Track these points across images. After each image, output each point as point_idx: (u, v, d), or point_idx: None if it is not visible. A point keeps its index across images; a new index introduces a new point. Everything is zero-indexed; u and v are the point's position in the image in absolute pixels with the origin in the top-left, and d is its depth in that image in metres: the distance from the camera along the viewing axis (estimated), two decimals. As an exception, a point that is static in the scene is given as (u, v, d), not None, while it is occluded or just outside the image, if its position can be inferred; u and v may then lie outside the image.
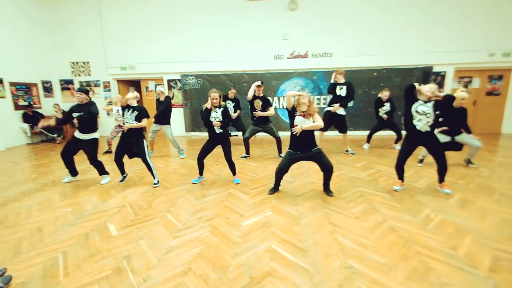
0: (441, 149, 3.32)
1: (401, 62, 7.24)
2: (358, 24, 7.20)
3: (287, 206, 3.08)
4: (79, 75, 8.18)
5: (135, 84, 8.74)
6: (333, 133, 6.12)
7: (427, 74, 7.27)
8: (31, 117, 7.24)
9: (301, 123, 3.13)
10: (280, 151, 5.23)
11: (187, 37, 7.66)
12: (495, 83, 7.53)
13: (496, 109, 7.56)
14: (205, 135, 6.17)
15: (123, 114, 3.85)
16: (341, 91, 5.10)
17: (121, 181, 4.08)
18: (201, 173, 3.96)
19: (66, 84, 8.28)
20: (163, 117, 5.35)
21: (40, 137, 7.69)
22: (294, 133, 3.19)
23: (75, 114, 3.80)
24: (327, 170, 3.25)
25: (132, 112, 3.80)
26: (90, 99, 3.98)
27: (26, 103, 7.38)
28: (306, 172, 4.31)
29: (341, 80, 5.11)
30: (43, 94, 7.97)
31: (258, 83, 4.80)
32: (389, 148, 5.89)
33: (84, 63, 8.08)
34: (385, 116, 5.56)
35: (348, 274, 1.93)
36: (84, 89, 3.96)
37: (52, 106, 7.66)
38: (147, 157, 3.90)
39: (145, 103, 8.46)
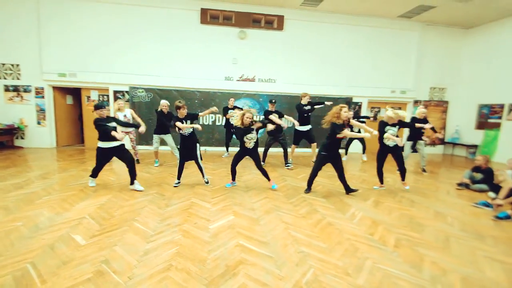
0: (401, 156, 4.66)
1: (330, 92, 8.69)
2: (298, 58, 8.41)
3: (246, 211, 3.56)
4: (5, 78, 7.21)
5: (75, 93, 8.13)
6: (277, 149, 6.95)
7: (348, 104, 8.89)
8: None
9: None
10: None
11: (138, 49, 7.64)
12: (396, 113, 9.66)
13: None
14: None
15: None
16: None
17: (176, 185, 4.47)
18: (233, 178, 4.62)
19: (-16, 87, 7.18)
20: (165, 127, 5.79)
21: None
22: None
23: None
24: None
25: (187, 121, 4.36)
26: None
27: None
28: (257, 183, 4.88)
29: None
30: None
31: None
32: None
33: (12, 65, 7.19)
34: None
35: (302, 256, 2.50)
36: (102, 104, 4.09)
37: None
38: (199, 159, 4.52)
39: (85, 113, 7.92)
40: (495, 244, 2.90)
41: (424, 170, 6.22)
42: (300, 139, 6.33)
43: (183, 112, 4.32)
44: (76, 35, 7.36)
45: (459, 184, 5.18)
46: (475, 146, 8.84)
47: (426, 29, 8.95)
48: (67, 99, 8.21)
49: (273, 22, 8.13)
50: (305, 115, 6.19)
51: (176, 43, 7.79)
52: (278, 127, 5.74)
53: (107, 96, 7.82)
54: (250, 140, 4.33)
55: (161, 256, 2.42)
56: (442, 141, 9.76)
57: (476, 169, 5.12)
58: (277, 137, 5.95)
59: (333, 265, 2.37)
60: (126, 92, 7.73)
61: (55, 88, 7.67)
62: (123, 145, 4.25)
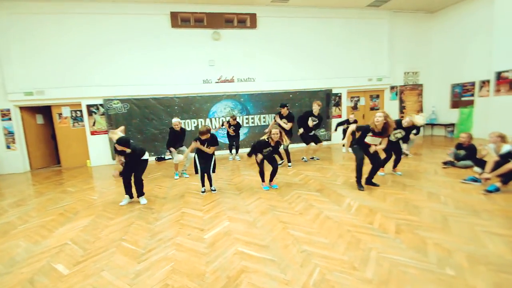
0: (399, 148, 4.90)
1: (310, 86, 8.70)
2: (274, 55, 8.34)
3: (241, 214, 3.41)
4: (-38, 103, 6.65)
5: (45, 111, 7.62)
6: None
7: (328, 95, 8.93)
8: None
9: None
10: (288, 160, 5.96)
11: (109, 60, 7.28)
12: (375, 101, 9.84)
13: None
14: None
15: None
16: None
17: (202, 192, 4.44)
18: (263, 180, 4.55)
19: None
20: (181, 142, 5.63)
21: None
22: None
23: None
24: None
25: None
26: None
27: None
28: (248, 184, 4.74)
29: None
30: None
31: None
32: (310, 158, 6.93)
33: (-31, 88, 6.63)
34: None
35: (305, 256, 2.39)
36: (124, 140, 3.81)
37: None
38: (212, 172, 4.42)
39: (58, 131, 7.45)
40: (490, 218, 2.93)
41: (406, 155, 6.27)
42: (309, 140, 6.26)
43: (207, 136, 4.24)
44: (40, 50, 6.90)
45: (445, 163, 5.29)
46: (453, 125, 9.16)
47: (395, 16, 9.17)
48: (37, 118, 7.68)
49: (246, 21, 8.02)
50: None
51: (148, 49, 7.50)
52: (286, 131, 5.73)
53: (80, 111, 7.40)
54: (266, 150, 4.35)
55: (155, 276, 2.23)
56: (421, 123, 10.03)
57: (459, 146, 5.25)
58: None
59: (338, 260, 2.28)
60: (101, 105, 7.34)
61: (22, 109, 7.16)
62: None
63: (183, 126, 5.68)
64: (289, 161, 5.94)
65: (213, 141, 4.30)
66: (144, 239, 2.92)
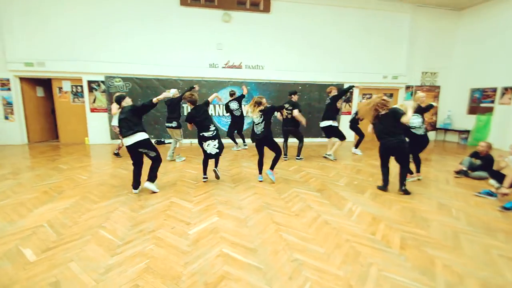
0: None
1: (320, 79, 8.28)
2: (286, 42, 7.92)
3: (232, 210, 3.16)
4: (-39, 70, 6.48)
5: (45, 84, 7.43)
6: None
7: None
8: None
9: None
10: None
11: (114, 35, 6.97)
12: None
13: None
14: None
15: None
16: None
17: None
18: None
19: None
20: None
21: None
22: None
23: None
24: None
25: None
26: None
27: None
28: (246, 177, 4.48)
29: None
30: None
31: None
32: (316, 155, 6.61)
33: (-31, 55, 6.45)
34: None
35: (296, 266, 2.13)
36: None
37: None
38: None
39: (58, 105, 7.26)
40: (508, 240, 2.61)
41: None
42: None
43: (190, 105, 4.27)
44: (43, 19, 6.63)
45: (458, 172, 4.92)
46: (467, 132, 8.66)
47: (418, 11, 8.59)
48: (38, 91, 7.50)
49: (259, 4, 7.57)
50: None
51: (155, 27, 7.16)
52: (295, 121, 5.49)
53: (81, 87, 7.17)
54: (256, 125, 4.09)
55: (126, 274, 2.00)
56: (434, 127, 9.55)
57: (475, 154, 4.87)
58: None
59: (332, 275, 2.01)
60: (102, 82, 7.10)
61: (22, 79, 6.97)
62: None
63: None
64: (285, 153, 5.78)
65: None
66: (124, 228, 2.70)
